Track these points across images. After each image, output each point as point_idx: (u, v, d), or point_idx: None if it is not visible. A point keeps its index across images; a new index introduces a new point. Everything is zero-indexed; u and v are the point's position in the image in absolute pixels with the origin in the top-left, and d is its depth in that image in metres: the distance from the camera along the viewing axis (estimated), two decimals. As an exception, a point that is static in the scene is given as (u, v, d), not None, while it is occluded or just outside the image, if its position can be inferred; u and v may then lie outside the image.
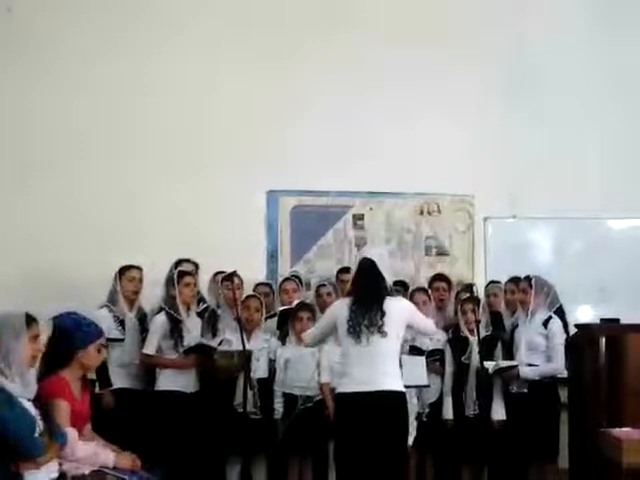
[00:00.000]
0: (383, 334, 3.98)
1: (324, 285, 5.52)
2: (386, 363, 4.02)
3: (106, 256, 5.55)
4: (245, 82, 6.22)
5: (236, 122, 6.19)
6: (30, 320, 3.33)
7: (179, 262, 5.26)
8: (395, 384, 4.02)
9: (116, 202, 6.03)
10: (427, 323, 4.32)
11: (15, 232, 5.90)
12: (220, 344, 5.06)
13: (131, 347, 5.12)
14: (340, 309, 4.11)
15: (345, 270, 5.80)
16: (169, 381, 4.98)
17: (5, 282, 5.59)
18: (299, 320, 5.09)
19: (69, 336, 3.69)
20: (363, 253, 4.28)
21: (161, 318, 5.03)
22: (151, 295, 5.28)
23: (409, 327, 4.17)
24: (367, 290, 4.08)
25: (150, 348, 5.02)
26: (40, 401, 3.36)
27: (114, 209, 6.01)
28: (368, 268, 4.12)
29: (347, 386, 4.03)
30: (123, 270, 5.25)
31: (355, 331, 3.99)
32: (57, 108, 6.07)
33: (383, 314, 4.00)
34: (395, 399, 4.00)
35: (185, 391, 4.97)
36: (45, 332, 3.59)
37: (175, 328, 5.01)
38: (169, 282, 5.08)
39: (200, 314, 5.29)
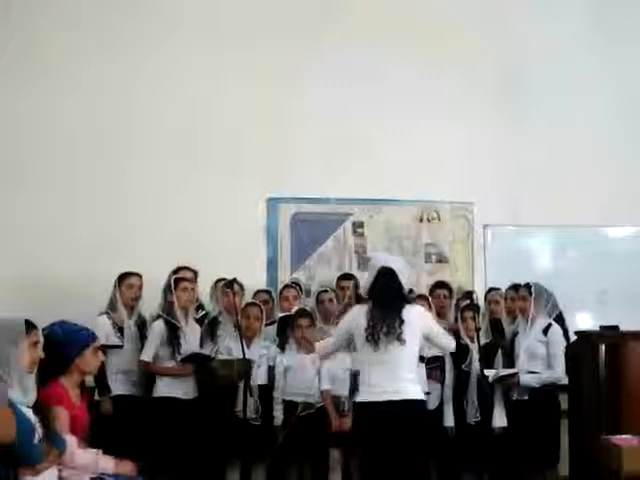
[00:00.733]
0: (402, 342, 3.95)
1: (326, 291, 5.52)
2: (404, 370, 3.99)
3: (106, 263, 5.55)
4: (245, 89, 6.22)
5: (236, 129, 6.20)
6: (30, 326, 3.32)
7: (178, 269, 5.25)
8: (415, 392, 3.99)
9: (116, 209, 6.03)
10: (445, 339, 4.24)
11: (11, 237, 5.88)
12: (217, 352, 5.06)
13: (130, 354, 5.12)
14: (357, 317, 4.07)
15: (345, 277, 5.82)
16: (167, 388, 4.97)
17: (2, 288, 5.57)
18: (298, 327, 5.09)
19: (63, 345, 3.68)
20: (379, 260, 4.24)
21: (159, 325, 5.03)
22: (152, 302, 5.27)
23: (426, 338, 4.13)
24: (386, 297, 4.05)
25: (147, 355, 5.02)
26: (39, 408, 3.36)
27: (114, 216, 6.01)
28: (387, 275, 4.10)
29: (366, 395, 3.99)
30: (122, 277, 5.25)
31: (373, 339, 3.96)
32: (49, 105, 6.04)
33: (402, 322, 3.97)
34: (416, 407, 3.97)
35: (183, 398, 4.96)
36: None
37: (173, 335, 5.00)
38: (167, 288, 5.09)
39: (199, 321, 5.29)
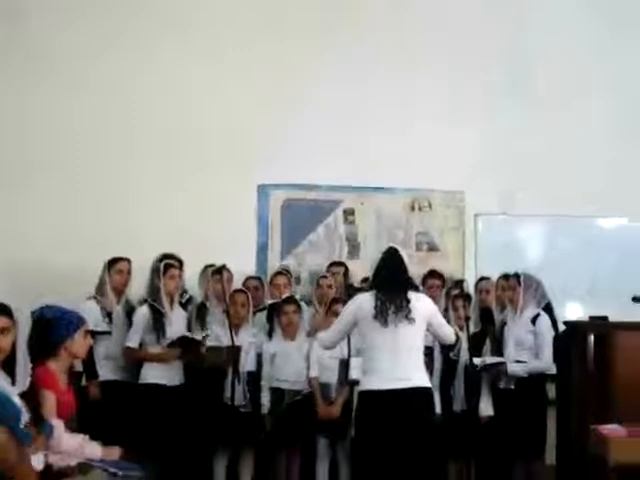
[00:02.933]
0: (410, 321, 3.92)
1: (325, 277, 5.53)
2: (412, 355, 3.96)
3: (94, 249, 5.51)
4: (237, 78, 6.21)
5: (227, 116, 6.18)
6: None
7: (163, 257, 5.15)
8: (423, 380, 3.97)
9: (105, 196, 6.02)
10: (448, 330, 4.21)
11: (3, 227, 5.86)
12: (206, 338, 5.03)
13: (118, 340, 5.09)
14: (361, 303, 4.03)
15: (336, 264, 5.81)
16: (153, 374, 4.93)
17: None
18: (284, 314, 5.08)
19: (53, 326, 3.67)
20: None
21: (143, 310, 4.98)
22: (141, 288, 5.23)
23: (428, 326, 4.09)
24: (393, 278, 4.03)
25: (133, 341, 4.98)
26: (26, 392, 3.33)
27: (103, 203, 6.00)
28: (393, 257, 4.10)
29: (373, 383, 3.94)
30: (112, 262, 5.23)
31: (382, 316, 3.91)
32: (51, 105, 6.06)
33: (408, 302, 3.96)
34: (423, 397, 3.93)
35: (169, 384, 4.92)
36: (26, 325, 3.56)
37: (158, 321, 4.95)
38: (154, 273, 5.02)
39: (184, 305, 5.26)
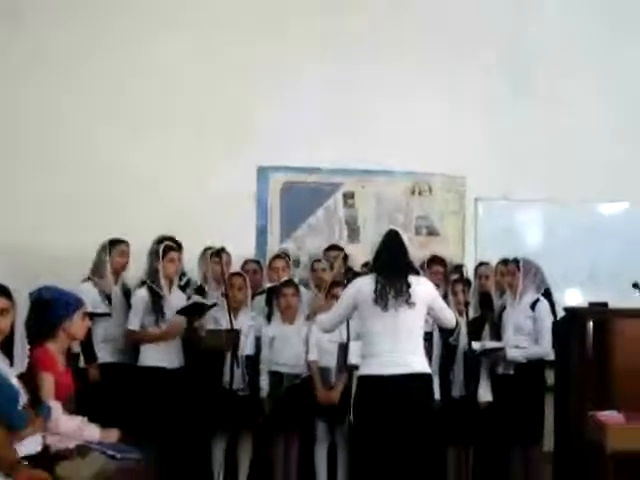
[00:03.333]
0: (410, 305, 3.89)
1: (319, 261, 5.51)
2: (412, 340, 3.92)
3: (92, 232, 5.45)
4: (237, 57, 6.15)
5: (227, 98, 6.13)
6: None
7: (162, 239, 5.12)
8: (423, 365, 3.94)
9: (103, 177, 5.97)
10: (448, 314, 4.17)
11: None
12: (212, 306, 5.01)
13: (117, 321, 5.08)
14: (361, 286, 3.99)
15: (332, 248, 5.79)
16: (153, 357, 4.92)
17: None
18: (283, 296, 5.07)
19: (52, 306, 3.67)
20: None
21: (142, 293, 4.96)
22: (138, 271, 5.21)
23: (429, 310, 4.05)
24: (393, 261, 3.99)
25: (133, 324, 4.96)
26: (24, 373, 3.32)
27: (100, 186, 5.95)
28: (394, 240, 4.05)
29: (373, 368, 3.90)
30: (113, 243, 5.21)
31: (383, 300, 3.87)
32: (41, 80, 6.00)
33: (409, 286, 3.92)
34: (423, 382, 3.91)
35: (169, 367, 4.91)
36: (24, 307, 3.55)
37: (157, 303, 4.93)
38: (153, 255, 4.99)
39: (182, 288, 5.25)
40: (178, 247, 5.16)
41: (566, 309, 5.12)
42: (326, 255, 5.70)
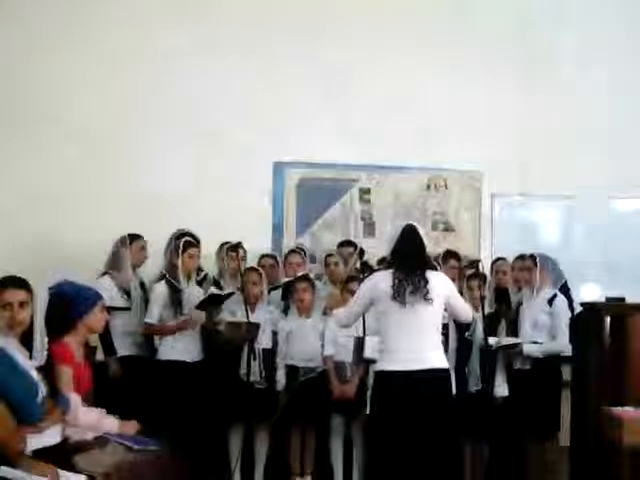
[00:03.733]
0: (428, 301, 3.88)
1: (331, 255, 5.52)
2: (430, 335, 3.92)
3: (109, 228, 5.46)
4: (251, 53, 6.16)
5: (243, 93, 6.15)
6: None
7: (181, 235, 5.16)
8: (441, 361, 3.93)
9: (119, 173, 6.02)
10: (466, 308, 4.18)
11: (15, 199, 5.87)
12: (230, 295, 5.04)
13: (135, 315, 5.12)
14: (378, 282, 3.98)
15: (347, 243, 5.80)
16: (170, 351, 4.96)
17: (4, 249, 5.58)
18: (297, 291, 5.09)
19: (71, 301, 3.70)
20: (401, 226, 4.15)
21: (161, 287, 5.00)
22: (153, 266, 5.27)
23: (446, 305, 4.05)
24: (411, 256, 3.97)
25: (152, 317, 5.00)
26: (43, 366, 3.36)
27: (118, 181, 5.99)
28: (411, 235, 4.04)
29: (390, 363, 3.90)
30: (133, 238, 5.24)
31: (400, 295, 3.86)
32: (65, 72, 6.05)
33: (427, 282, 3.91)
34: (440, 378, 3.90)
35: (189, 360, 4.96)
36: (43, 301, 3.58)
37: (175, 297, 4.97)
38: (174, 251, 5.03)
39: (199, 283, 5.27)
40: (197, 242, 5.19)
41: (583, 304, 5.09)
42: (340, 250, 5.71)
